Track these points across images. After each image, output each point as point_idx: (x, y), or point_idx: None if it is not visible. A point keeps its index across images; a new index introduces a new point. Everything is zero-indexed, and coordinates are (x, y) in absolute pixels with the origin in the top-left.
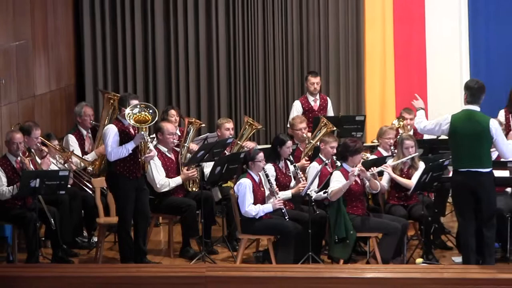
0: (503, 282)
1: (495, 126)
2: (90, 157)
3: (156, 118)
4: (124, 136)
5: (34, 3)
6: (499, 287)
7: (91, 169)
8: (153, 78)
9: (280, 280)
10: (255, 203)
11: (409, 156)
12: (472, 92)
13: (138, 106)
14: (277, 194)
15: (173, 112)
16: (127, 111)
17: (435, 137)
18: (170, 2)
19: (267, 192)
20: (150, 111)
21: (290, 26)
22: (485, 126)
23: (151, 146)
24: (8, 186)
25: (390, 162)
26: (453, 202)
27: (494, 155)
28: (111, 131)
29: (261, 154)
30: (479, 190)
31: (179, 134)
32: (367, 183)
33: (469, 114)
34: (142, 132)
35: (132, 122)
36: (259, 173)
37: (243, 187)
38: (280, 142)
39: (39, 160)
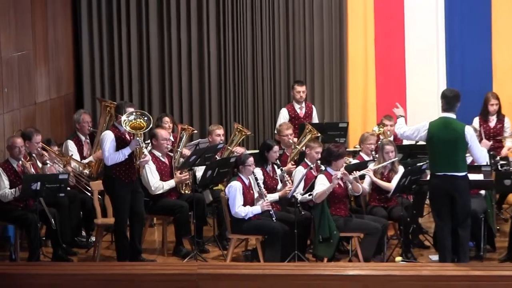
0: (476, 278)
1: (470, 133)
2: (88, 161)
3: (151, 125)
4: (121, 142)
5: (35, 16)
6: (473, 283)
7: (87, 172)
8: (148, 87)
9: (268, 277)
10: (244, 204)
11: (390, 161)
12: (448, 100)
13: (134, 113)
14: (265, 196)
15: (166, 119)
16: (123, 118)
17: (413, 142)
18: (164, 16)
19: (256, 195)
20: (145, 118)
21: (277, 38)
22: (461, 133)
23: (145, 151)
24: (10, 188)
25: (372, 166)
26: (430, 204)
27: (469, 159)
28: (108, 137)
29: (251, 159)
30: (455, 193)
31: (173, 139)
32: (350, 186)
33: (445, 122)
34: (138, 138)
35: (128, 128)
36: (249, 176)
37: (234, 189)
38: (268, 147)
39: (40, 164)
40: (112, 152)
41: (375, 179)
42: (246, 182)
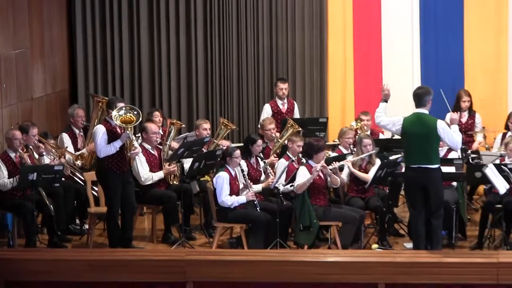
0: (448, 265)
1: (442, 127)
2: (80, 153)
3: (140, 119)
4: (112, 135)
5: (31, 16)
6: (445, 269)
7: (79, 163)
8: (139, 83)
9: (251, 263)
10: (230, 194)
11: (367, 153)
12: (418, 97)
13: (124, 108)
14: (251, 187)
15: (157, 113)
16: (114, 113)
17: (390, 136)
18: (154, 17)
19: (241, 186)
20: (135, 112)
21: (261, 37)
22: (433, 127)
23: (135, 143)
24: (8, 178)
25: (350, 158)
26: (405, 195)
27: (441, 152)
28: (100, 131)
29: (238, 152)
30: (428, 184)
31: (162, 133)
32: (329, 178)
33: (418, 117)
34: (127, 132)
35: (118, 122)
36: (235, 168)
37: (221, 179)
38: (252, 141)
39: (36, 156)
40: (104, 145)
41: (353, 170)
42: (233, 173)
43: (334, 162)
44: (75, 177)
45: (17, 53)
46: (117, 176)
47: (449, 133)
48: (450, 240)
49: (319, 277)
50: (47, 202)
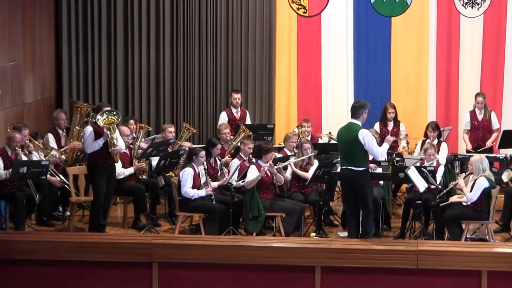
0: (375, 251)
1: (362, 135)
2: (63, 150)
3: (120, 118)
4: (98, 135)
5: (25, 34)
6: (373, 255)
7: (64, 157)
8: (114, 91)
9: (208, 247)
10: (192, 188)
11: (307, 155)
12: (353, 109)
13: (105, 113)
14: (210, 184)
15: (131, 121)
16: (98, 117)
17: (327, 141)
18: (128, 35)
19: (202, 181)
20: (114, 113)
21: (219, 54)
22: (355, 135)
23: (115, 141)
24: (4, 170)
25: (293, 159)
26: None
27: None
28: (88, 130)
29: (203, 152)
30: (352, 184)
31: (135, 136)
32: (275, 176)
33: (348, 126)
34: (107, 132)
35: (101, 124)
36: (199, 167)
37: (187, 173)
38: (212, 144)
39: (26, 152)
40: (90, 142)
41: (295, 169)
42: (197, 170)
43: (279, 162)
44: (58, 172)
45: (12, 65)
46: (103, 170)
47: (370, 142)
48: (377, 230)
49: (266, 259)
50: (33, 191)
